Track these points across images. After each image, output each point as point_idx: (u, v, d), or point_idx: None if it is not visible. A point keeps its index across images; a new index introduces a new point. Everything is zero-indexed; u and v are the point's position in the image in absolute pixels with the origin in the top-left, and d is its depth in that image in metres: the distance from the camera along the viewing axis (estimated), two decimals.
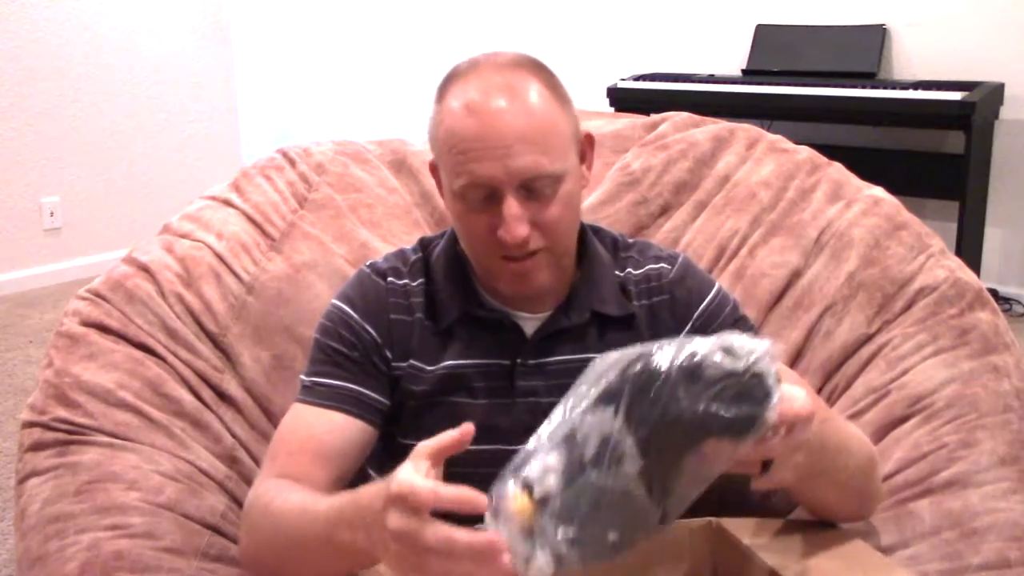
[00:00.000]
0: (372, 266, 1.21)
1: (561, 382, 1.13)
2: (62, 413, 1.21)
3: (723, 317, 1.18)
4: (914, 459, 1.21)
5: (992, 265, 3.67)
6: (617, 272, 1.20)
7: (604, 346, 1.17)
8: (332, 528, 0.89)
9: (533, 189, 1.05)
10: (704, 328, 1.17)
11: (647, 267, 1.20)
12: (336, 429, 1.09)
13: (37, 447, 1.20)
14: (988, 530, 1.11)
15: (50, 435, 1.20)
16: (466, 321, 1.16)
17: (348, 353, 1.13)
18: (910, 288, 1.37)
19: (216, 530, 1.16)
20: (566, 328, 1.16)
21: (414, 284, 1.18)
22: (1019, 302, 3.62)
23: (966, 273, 1.38)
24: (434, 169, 1.16)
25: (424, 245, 1.23)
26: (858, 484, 1.05)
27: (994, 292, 3.45)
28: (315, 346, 1.16)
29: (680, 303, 1.18)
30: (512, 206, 1.03)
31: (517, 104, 1.04)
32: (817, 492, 1.03)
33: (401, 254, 1.22)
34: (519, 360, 1.15)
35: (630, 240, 1.26)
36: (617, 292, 1.18)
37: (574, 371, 1.15)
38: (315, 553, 0.92)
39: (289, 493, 1.00)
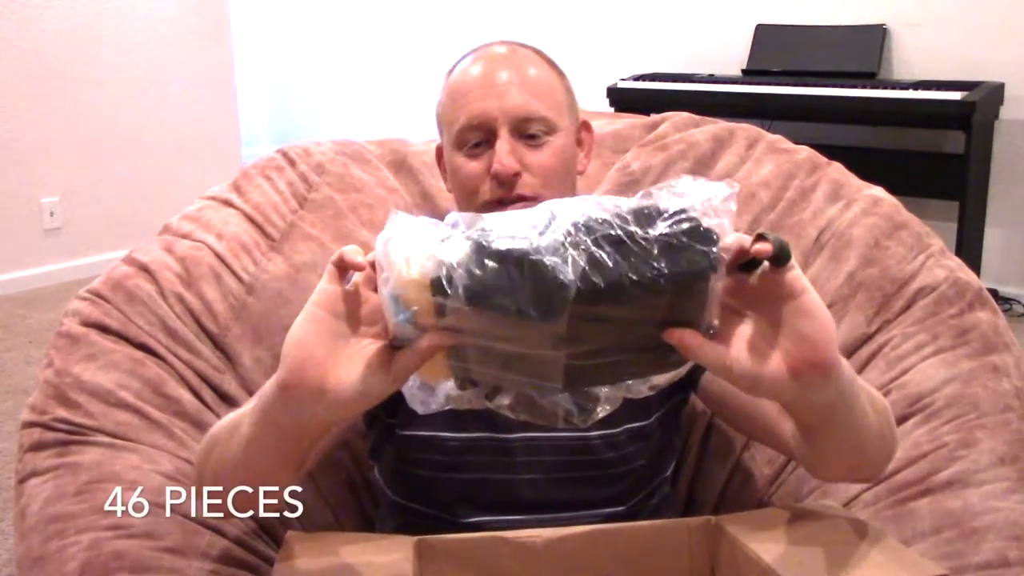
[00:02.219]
0: None
1: None
2: (62, 413, 1.21)
3: None
4: (914, 458, 1.21)
5: (992, 265, 3.67)
6: None
7: None
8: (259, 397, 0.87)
9: (526, 132, 1.11)
10: None
11: None
12: None
13: (37, 447, 1.20)
14: (988, 529, 1.11)
15: (50, 435, 1.20)
16: None
17: None
18: (910, 288, 1.37)
19: (216, 530, 1.16)
20: None
21: None
22: (1019, 302, 3.62)
23: (966, 273, 1.38)
24: (439, 153, 1.21)
25: None
26: (880, 430, 0.93)
27: (994, 292, 3.46)
28: None
29: None
30: (505, 141, 1.10)
31: (516, 59, 1.14)
32: (844, 437, 0.89)
33: None
34: None
35: None
36: None
37: None
38: (249, 441, 0.88)
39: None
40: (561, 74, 1.18)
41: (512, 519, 1.09)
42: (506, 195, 1.10)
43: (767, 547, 0.94)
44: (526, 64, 1.14)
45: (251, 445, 0.88)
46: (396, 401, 1.15)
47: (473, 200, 1.13)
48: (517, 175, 1.10)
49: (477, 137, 1.12)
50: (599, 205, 0.73)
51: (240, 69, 4.89)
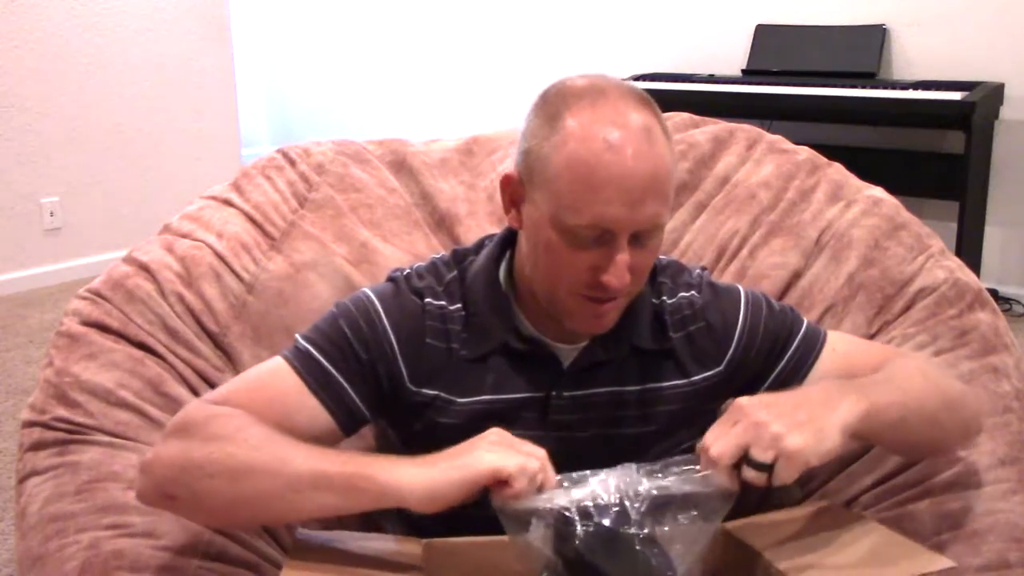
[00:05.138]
0: (407, 281, 1.15)
1: (598, 414, 1.12)
2: (62, 413, 1.21)
3: (762, 323, 1.17)
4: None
5: (992, 265, 3.67)
6: (653, 300, 1.17)
7: (645, 378, 1.15)
8: (353, 465, 0.95)
9: (641, 238, 1.03)
10: (751, 342, 1.17)
11: (679, 295, 1.18)
12: (306, 412, 1.06)
13: (37, 447, 1.20)
14: (988, 531, 1.11)
15: (50, 435, 1.20)
16: (502, 352, 1.13)
17: (357, 348, 1.09)
18: (910, 289, 1.37)
19: (216, 529, 1.16)
20: (603, 361, 1.14)
21: (451, 309, 1.13)
22: (1019, 302, 3.62)
23: (966, 274, 1.38)
24: (515, 183, 1.08)
25: (458, 260, 1.18)
26: (927, 431, 1.09)
27: (994, 292, 3.46)
28: (330, 317, 1.12)
29: (717, 328, 1.17)
30: (625, 252, 1.02)
31: (653, 152, 1.01)
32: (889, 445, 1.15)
33: (434, 270, 1.16)
34: (554, 393, 1.12)
35: (663, 260, 1.22)
36: (653, 324, 1.16)
37: (611, 404, 1.14)
38: (284, 487, 0.94)
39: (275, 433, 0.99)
40: (671, 145, 1.07)
41: None
42: (608, 296, 1.05)
43: (772, 549, 0.95)
44: (659, 149, 1.02)
45: (309, 504, 0.95)
46: (407, 419, 1.14)
47: (568, 291, 1.06)
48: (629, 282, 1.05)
49: (594, 235, 1.02)
50: None
51: (240, 69, 4.89)
